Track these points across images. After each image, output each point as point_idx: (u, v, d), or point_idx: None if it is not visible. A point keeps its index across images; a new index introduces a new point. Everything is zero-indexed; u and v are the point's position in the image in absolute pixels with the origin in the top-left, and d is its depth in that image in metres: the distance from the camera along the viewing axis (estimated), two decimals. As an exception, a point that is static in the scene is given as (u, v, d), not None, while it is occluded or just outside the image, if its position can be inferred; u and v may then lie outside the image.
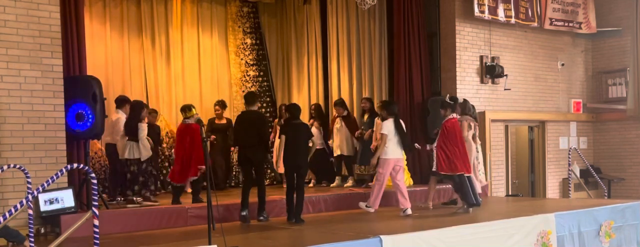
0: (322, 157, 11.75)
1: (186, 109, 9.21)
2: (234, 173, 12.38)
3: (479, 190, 9.55)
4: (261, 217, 8.45)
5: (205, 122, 11.26)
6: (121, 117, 9.20)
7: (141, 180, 8.81)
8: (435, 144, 9.27)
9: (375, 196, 9.22)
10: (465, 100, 10.05)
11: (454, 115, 9.29)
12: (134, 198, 8.71)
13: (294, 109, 8.85)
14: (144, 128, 8.88)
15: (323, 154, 11.78)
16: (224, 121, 11.57)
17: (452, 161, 9.02)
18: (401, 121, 9.35)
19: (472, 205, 9.04)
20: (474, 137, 9.68)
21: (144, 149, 8.82)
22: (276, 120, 11.74)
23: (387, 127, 9.09)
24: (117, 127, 9.12)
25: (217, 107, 11.58)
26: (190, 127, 8.96)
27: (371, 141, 10.46)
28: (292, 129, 8.57)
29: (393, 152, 9.09)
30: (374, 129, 10.30)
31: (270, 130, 10.94)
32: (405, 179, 10.29)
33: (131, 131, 8.81)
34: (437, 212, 9.26)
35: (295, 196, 8.44)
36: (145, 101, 11.74)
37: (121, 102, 9.52)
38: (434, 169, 9.33)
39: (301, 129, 8.64)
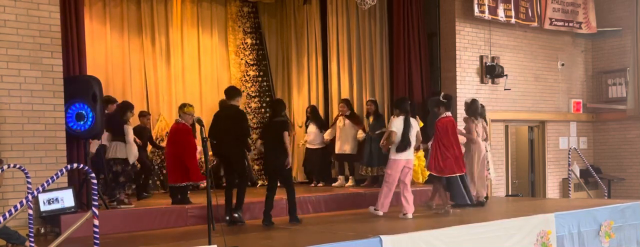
0: (320, 157, 11.73)
1: (182, 106, 8.97)
2: None
3: (478, 190, 9.52)
4: (236, 215, 8.04)
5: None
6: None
7: (121, 181, 8.63)
8: (430, 143, 9.19)
9: (384, 198, 8.71)
10: (473, 101, 9.78)
11: (448, 114, 9.20)
12: (109, 201, 8.42)
13: (276, 105, 8.51)
14: (129, 131, 8.70)
15: (321, 154, 11.75)
16: None
17: (439, 163, 8.91)
18: (412, 120, 8.76)
19: (465, 205, 9.06)
20: (485, 138, 9.67)
21: (131, 153, 8.65)
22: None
23: (396, 125, 8.60)
24: None
25: None
26: (180, 126, 8.75)
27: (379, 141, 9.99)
28: (269, 129, 8.29)
29: (403, 152, 8.58)
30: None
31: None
32: (418, 175, 10.21)
33: (115, 130, 8.69)
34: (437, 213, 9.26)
35: (280, 197, 8.22)
36: (145, 101, 11.80)
37: (105, 102, 8.71)
38: (425, 166, 9.17)
39: (275, 127, 8.17)
